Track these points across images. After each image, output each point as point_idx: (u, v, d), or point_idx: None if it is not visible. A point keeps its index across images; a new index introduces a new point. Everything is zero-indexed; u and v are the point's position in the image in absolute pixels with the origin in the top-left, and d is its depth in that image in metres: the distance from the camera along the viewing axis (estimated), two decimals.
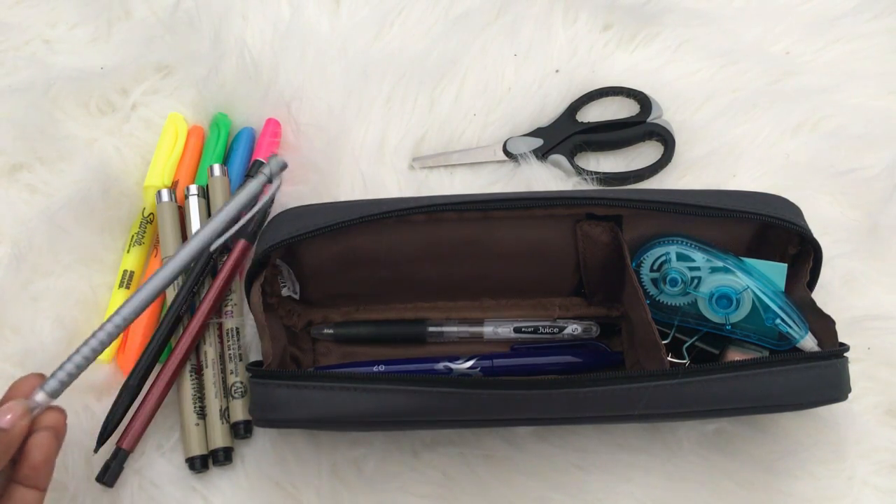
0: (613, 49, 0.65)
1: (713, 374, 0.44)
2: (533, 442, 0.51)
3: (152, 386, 0.51)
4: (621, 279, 0.52)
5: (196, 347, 0.53)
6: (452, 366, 0.52)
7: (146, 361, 0.51)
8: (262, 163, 0.57)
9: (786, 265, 0.49)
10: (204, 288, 0.53)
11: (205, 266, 0.53)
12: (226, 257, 0.54)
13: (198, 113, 0.62)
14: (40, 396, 0.41)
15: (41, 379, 0.42)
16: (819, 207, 0.58)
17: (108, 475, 0.49)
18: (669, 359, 0.48)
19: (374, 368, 0.52)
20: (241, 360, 0.53)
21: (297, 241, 0.48)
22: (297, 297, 0.53)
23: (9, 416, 0.40)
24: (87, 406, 0.51)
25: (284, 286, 0.52)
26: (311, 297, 0.54)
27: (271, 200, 0.52)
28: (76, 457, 0.49)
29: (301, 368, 0.53)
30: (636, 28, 0.65)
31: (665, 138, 0.60)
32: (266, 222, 0.52)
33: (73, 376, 0.42)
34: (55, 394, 0.42)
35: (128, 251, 0.56)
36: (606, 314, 0.55)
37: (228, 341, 0.53)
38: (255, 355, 0.54)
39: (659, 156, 0.60)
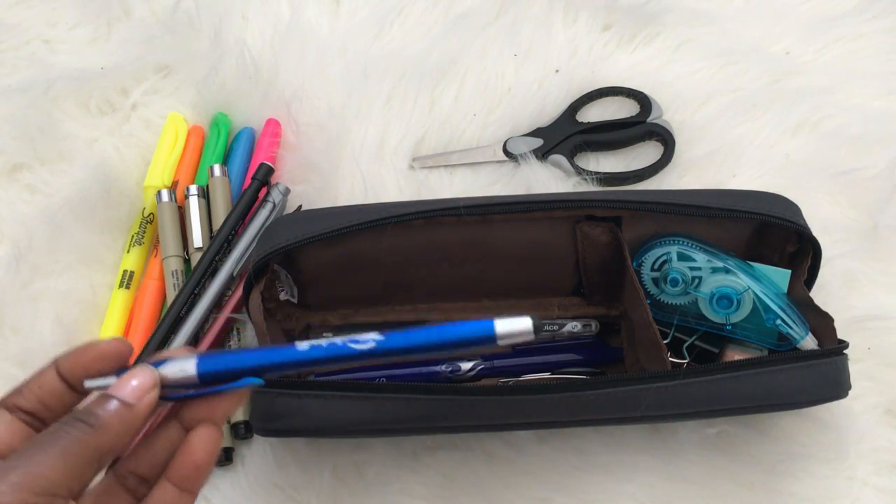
0: (613, 49, 0.65)
1: (714, 374, 0.44)
2: (533, 443, 0.51)
3: None
4: (621, 279, 0.52)
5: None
6: (454, 368, 0.52)
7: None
8: (268, 165, 0.57)
9: (789, 271, 0.49)
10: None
11: (206, 268, 0.53)
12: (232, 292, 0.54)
13: (198, 113, 0.62)
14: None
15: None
16: (819, 207, 0.58)
17: None
18: (670, 358, 0.48)
19: (377, 381, 0.51)
20: None
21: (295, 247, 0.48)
22: (295, 301, 0.53)
23: (133, 385, 0.31)
24: None
25: (282, 290, 0.52)
26: (309, 300, 0.54)
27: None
28: None
29: (301, 375, 0.52)
30: (636, 28, 0.65)
31: (665, 138, 0.60)
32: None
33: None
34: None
35: (128, 251, 0.56)
36: (606, 313, 0.54)
37: (229, 342, 0.53)
38: None
39: (659, 156, 0.60)
